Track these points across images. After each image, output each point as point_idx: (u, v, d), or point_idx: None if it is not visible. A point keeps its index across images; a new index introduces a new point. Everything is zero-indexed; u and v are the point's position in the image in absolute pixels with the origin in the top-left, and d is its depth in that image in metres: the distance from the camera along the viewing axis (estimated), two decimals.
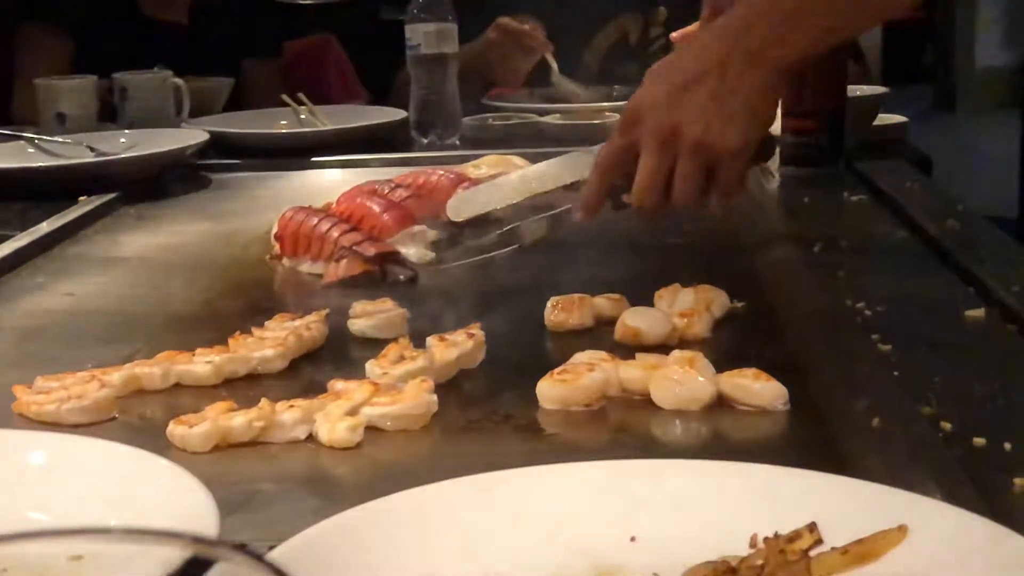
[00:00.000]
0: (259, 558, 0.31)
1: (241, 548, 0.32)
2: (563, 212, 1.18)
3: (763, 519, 0.59)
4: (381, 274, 1.20)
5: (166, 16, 2.55)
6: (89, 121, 2.06)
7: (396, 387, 0.86)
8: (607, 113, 2.09)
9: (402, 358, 0.92)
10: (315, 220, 1.27)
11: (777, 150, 1.07)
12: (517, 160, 1.59)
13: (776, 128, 1.66)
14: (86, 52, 2.41)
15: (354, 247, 1.21)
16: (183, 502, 0.60)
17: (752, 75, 1.01)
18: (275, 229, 1.31)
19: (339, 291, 1.19)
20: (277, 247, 1.30)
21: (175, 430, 0.81)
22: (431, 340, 0.95)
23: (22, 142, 1.89)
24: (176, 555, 0.33)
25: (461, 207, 1.25)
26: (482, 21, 2.44)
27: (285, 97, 2.19)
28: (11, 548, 0.34)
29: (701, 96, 1.02)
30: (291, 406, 0.83)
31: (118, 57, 2.21)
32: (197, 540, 0.33)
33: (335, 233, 1.24)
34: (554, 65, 2.38)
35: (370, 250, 1.21)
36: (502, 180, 1.23)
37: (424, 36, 1.89)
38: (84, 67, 2.22)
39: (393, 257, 1.22)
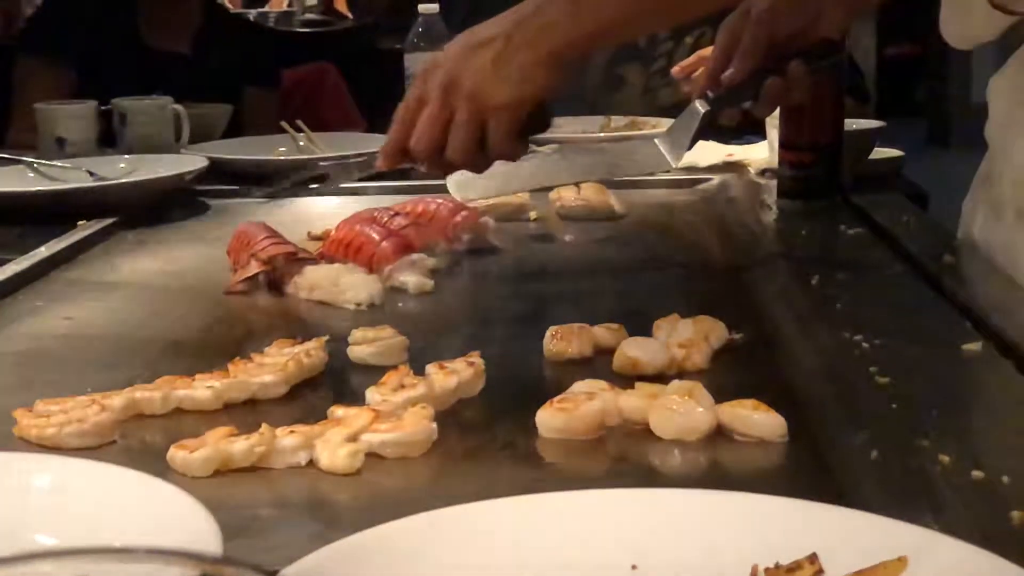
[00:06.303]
0: (271, 575, 0.31)
1: (254, 567, 0.32)
2: (369, 159, 1.25)
3: (763, 549, 0.60)
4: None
5: (168, 47, 2.57)
6: (89, 146, 2.06)
7: (396, 414, 0.86)
8: (603, 143, 2.09)
9: (402, 385, 0.92)
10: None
11: (552, 121, 1.26)
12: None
13: (767, 154, 1.68)
14: (88, 83, 2.41)
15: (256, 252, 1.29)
16: (187, 526, 0.61)
17: (528, 51, 1.15)
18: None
19: (339, 317, 1.19)
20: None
21: (176, 455, 0.81)
22: (431, 368, 0.95)
23: (21, 166, 1.89)
24: (185, 575, 0.33)
25: (467, 187, 1.26)
26: None
27: (284, 124, 2.19)
28: (21, 569, 0.34)
29: (485, 56, 1.16)
30: (291, 432, 0.83)
31: (120, 88, 2.21)
32: (207, 559, 0.33)
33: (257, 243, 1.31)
34: None
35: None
36: (510, 170, 1.24)
37: (423, 65, 1.89)
38: (86, 97, 2.23)
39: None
